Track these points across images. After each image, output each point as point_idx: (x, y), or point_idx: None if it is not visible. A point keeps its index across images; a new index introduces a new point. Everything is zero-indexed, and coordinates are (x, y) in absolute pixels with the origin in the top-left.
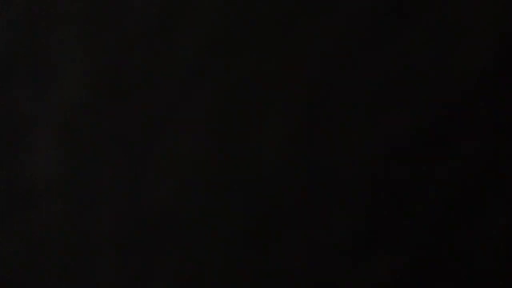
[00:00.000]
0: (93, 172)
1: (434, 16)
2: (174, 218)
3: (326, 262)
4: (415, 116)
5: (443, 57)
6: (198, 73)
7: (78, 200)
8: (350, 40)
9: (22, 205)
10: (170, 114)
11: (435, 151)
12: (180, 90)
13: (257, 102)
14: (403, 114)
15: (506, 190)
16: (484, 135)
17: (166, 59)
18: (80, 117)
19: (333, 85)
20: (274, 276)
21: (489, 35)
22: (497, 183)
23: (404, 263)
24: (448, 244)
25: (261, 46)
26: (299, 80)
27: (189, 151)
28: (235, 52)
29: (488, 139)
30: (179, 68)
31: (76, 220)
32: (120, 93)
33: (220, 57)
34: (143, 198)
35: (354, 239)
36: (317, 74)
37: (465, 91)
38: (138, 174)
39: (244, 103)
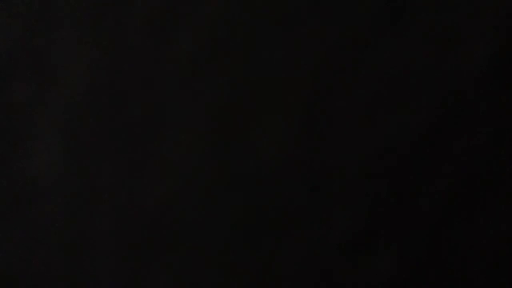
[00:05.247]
0: (93, 172)
1: (433, 18)
2: (174, 218)
3: (326, 262)
4: (415, 116)
5: (442, 58)
6: (198, 73)
7: (78, 200)
8: (350, 40)
9: (22, 205)
10: (170, 114)
11: (434, 151)
12: (180, 90)
13: (257, 102)
14: (403, 114)
15: (506, 190)
16: (484, 135)
17: (166, 59)
18: (80, 117)
19: (333, 85)
20: (274, 276)
21: (487, 36)
22: (497, 183)
23: (404, 262)
24: (448, 243)
25: (261, 46)
26: (299, 80)
27: (189, 151)
28: (235, 52)
29: (488, 139)
30: (179, 68)
31: (76, 219)
32: (120, 93)
33: (220, 57)
34: (143, 198)
35: (354, 239)
36: (317, 74)
37: (464, 91)
38: (138, 174)
39: (244, 103)
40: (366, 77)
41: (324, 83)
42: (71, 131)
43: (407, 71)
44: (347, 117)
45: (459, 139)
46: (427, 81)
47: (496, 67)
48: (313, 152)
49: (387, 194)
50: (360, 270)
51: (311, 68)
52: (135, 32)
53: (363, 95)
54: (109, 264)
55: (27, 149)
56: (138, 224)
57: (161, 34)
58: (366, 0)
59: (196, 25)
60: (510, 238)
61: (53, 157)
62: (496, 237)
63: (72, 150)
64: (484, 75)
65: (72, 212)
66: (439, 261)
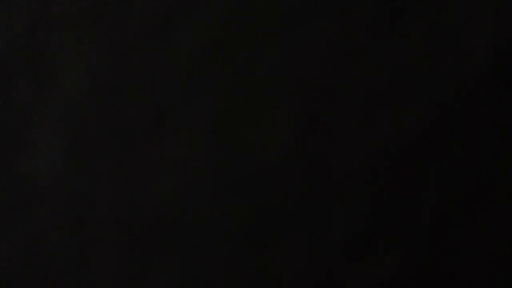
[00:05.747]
0: (93, 172)
1: (433, 18)
2: (174, 218)
3: (326, 262)
4: (415, 116)
5: (442, 58)
6: (198, 73)
7: (78, 200)
8: (350, 40)
9: (22, 205)
10: (170, 114)
11: (434, 151)
12: (180, 90)
13: (256, 102)
14: (403, 114)
15: (506, 190)
16: (484, 134)
17: (166, 59)
18: (80, 117)
19: (333, 85)
20: (274, 276)
21: (487, 36)
22: (497, 183)
23: (404, 262)
24: (448, 243)
25: (260, 46)
26: (299, 81)
27: (189, 151)
28: (235, 52)
29: (488, 139)
30: (179, 68)
31: (76, 219)
32: (120, 93)
33: (220, 57)
34: (143, 198)
35: (354, 239)
36: (317, 74)
37: (464, 91)
38: (138, 174)
39: (243, 103)
40: (366, 77)
41: (324, 83)
42: (71, 131)
43: (407, 71)
44: (347, 117)
45: (459, 139)
46: (427, 81)
47: (496, 67)
48: (313, 152)
49: (387, 195)
50: (360, 270)
51: (311, 68)
52: (135, 32)
53: (363, 95)
54: (109, 264)
55: (27, 149)
56: (138, 224)
57: (161, 34)
58: (366, 0)
59: (196, 25)
60: (510, 238)
61: (53, 157)
62: (496, 237)
63: (72, 150)
64: (484, 75)
65: (72, 212)
66: (439, 261)
